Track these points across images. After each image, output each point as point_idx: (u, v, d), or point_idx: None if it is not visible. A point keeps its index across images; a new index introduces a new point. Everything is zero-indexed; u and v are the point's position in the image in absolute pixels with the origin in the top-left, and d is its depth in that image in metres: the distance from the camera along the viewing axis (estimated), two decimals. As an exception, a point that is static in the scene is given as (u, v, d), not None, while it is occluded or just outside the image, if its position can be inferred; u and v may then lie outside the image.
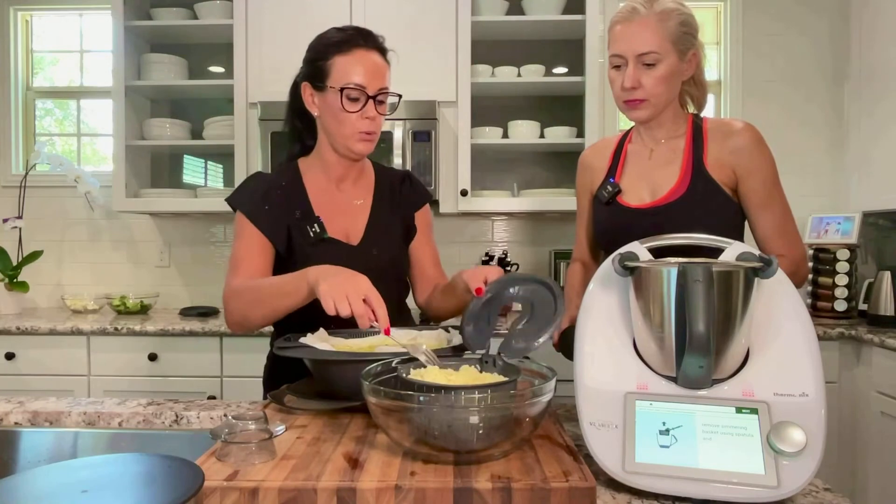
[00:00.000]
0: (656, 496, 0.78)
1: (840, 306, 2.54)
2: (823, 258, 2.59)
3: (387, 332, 1.01)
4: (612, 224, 1.38)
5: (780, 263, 0.89)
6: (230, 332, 2.44)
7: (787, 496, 0.74)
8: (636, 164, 1.39)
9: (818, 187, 2.97)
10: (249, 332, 1.47)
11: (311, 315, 1.15)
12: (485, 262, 2.92)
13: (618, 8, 1.34)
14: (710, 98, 1.43)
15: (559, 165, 2.98)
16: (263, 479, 0.74)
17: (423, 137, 2.57)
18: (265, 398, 1.34)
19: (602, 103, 2.74)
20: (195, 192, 2.84)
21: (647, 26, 1.24)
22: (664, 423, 0.80)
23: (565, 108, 2.91)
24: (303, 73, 1.35)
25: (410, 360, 0.95)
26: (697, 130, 1.33)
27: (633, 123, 1.41)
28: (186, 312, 2.75)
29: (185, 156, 3.08)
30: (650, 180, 1.35)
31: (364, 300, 1.01)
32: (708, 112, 1.44)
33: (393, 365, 0.93)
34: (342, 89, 1.27)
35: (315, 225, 1.32)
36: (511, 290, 1.03)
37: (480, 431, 0.77)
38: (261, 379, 1.45)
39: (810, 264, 2.61)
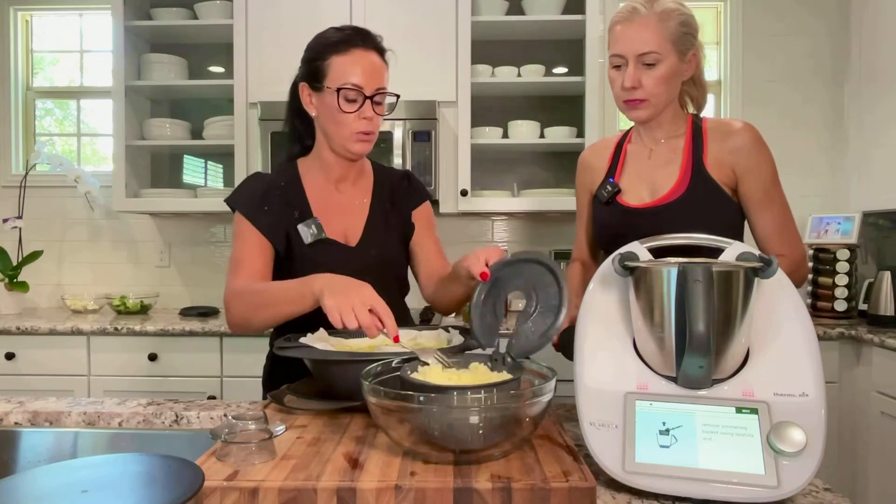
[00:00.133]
0: (656, 496, 0.78)
1: (840, 306, 2.54)
2: (823, 258, 2.59)
3: (396, 340, 1.02)
4: (611, 224, 1.38)
5: (780, 263, 0.89)
6: (230, 333, 2.44)
7: (787, 496, 0.74)
8: (636, 164, 1.39)
9: (818, 187, 2.97)
10: (250, 333, 1.47)
11: (311, 315, 1.14)
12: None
13: (618, 8, 1.34)
14: (710, 98, 1.43)
15: (559, 165, 2.98)
16: (263, 479, 0.74)
17: (423, 137, 2.57)
18: (265, 398, 1.34)
19: (602, 103, 2.74)
20: (195, 192, 2.84)
21: (648, 26, 1.24)
22: (664, 423, 0.80)
23: (565, 108, 2.91)
24: (301, 74, 1.34)
25: (413, 359, 0.94)
26: (697, 130, 1.33)
27: (633, 123, 1.41)
28: (186, 312, 2.75)
29: (185, 156, 3.08)
30: (650, 180, 1.35)
31: (370, 310, 1.01)
32: (708, 112, 1.44)
33: (394, 364, 0.93)
34: (339, 89, 1.26)
35: (313, 226, 1.32)
36: (514, 274, 1.01)
37: (480, 431, 0.77)
38: (260, 379, 1.45)
39: (810, 264, 2.61)
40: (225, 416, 1.11)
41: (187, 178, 3.10)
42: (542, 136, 2.76)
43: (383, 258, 1.37)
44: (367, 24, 1.52)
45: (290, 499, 0.72)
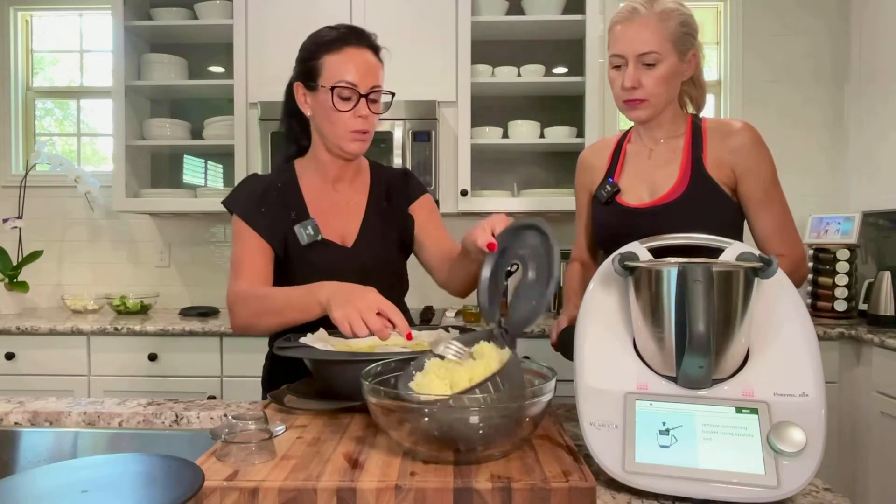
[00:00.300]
0: (656, 496, 0.78)
1: (840, 306, 2.54)
2: (823, 258, 2.59)
3: (409, 338, 1.02)
4: (611, 224, 1.38)
5: (780, 263, 0.89)
6: (230, 332, 2.44)
7: (787, 496, 0.74)
8: (635, 164, 1.39)
9: (818, 187, 2.97)
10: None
11: (311, 315, 1.15)
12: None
13: (618, 8, 1.34)
14: (710, 98, 1.43)
15: (559, 165, 2.98)
16: (263, 479, 0.74)
17: (423, 137, 2.57)
18: (265, 398, 1.34)
19: (602, 103, 2.74)
20: (195, 192, 2.84)
21: (648, 26, 1.24)
22: (664, 423, 0.80)
23: (565, 108, 2.91)
24: (295, 73, 1.34)
25: (409, 361, 0.94)
26: (697, 130, 1.33)
27: (632, 123, 1.41)
28: (186, 312, 2.75)
29: (185, 156, 3.08)
30: (649, 180, 1.35)
31: (378, 313, 1.01)
32: (708, 112, 1.44)
33: (391, 371, 0.93)
34: (333, 88, 1.26)
35: (309, 227, 1.31)
36: (518, 243, 0.99)
37: (480, 431, 0.77)
38: (260, 379, 1.44)
39: (810, 264, 2.61)
40: (225, 416, 1.11)
41: (187, 178, 3.10)
42: (542, 136, 2.76)
43: (380, 258, 1.37)
44: (367, 23, 1.51)
45: (290, 499, 0.72)
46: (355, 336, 1.01)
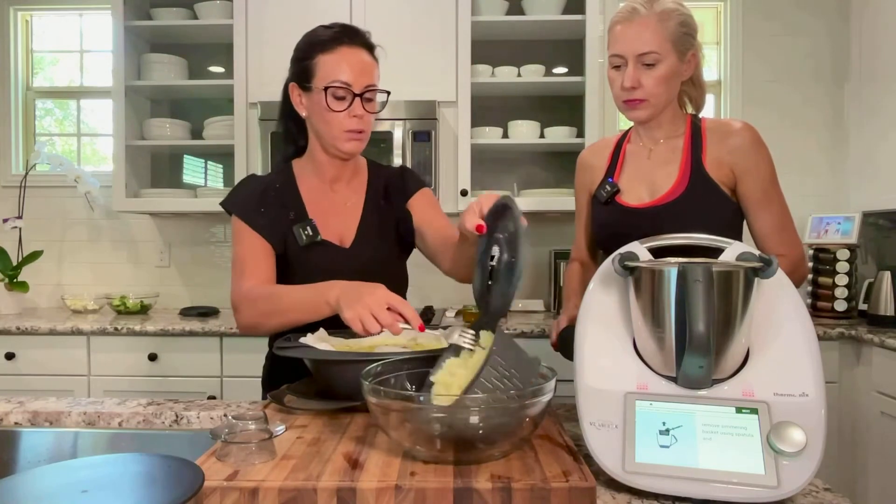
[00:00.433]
0: (656, 496, 0.78)
1: (840, 306, 2.54)
2: (823, 258, 2.59)
3: (421, 329, 1.02)
4: (610, 224, 1.38)
5: (780, 263, 0.89)
6: (230, 332, 2.44)
7: (787, 496, 0.74)
8: (635, 164, 1.39)
9: (818, 187, 2.97)
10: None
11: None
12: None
13: (618, 8, 1.34)
14: (710, 98, 1.43)
15: (559, 165, 2.98)
16: (263, 479, 0.74)
17: (423, 137, 2.57)
18: (265, 398, 1.34)
19: (602, 103, 2.74)
20: (195, 192, 2.84)
21: (647, 26, 1.24)
22: (664, 423, 0.80)
23: (565, 108, 2.91)
24: (290, 74, 1.33)
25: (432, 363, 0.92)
26: (696, 130, 1.33)
27: (632, 123, 1.41)
28: (186, 312, 2.75)
29: (185, 156, 3.08)
30: (649, 180, 1.35)
31: (389, 308, 1.01)
32: (708, 112, 1.44)
33: (391, 371, 0.92)
34: (327, 88, 1.25)
35: (308, 227, 1.31)
36: (505, 221, 0.95)
37: (480, 431, 0.77)
38: (260, 379, 1.44)
39: (810, 264, 2.61)
40: (225, 416, 1.11)
41: (187, 178, 3.10)
42: (542, 136, 2.76)
43: (378, 258, 1.36)
44: (367, 24, 1.52)
45: (290, 499, 0.72)
46: (368, 334, 1.01)
